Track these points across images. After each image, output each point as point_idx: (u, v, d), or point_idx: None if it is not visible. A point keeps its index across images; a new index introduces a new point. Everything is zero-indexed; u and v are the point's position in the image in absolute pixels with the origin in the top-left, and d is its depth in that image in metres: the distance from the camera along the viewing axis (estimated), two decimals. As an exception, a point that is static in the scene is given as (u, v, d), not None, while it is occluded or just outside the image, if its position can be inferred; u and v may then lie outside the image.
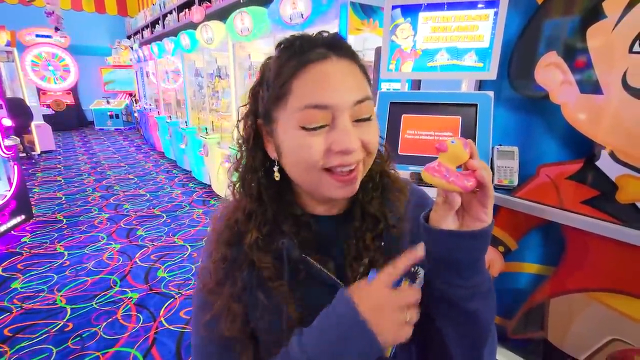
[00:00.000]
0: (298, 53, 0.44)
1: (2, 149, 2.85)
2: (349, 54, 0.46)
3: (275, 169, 0.50)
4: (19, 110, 4.75)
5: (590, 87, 1.22)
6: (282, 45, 0.47)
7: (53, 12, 7.01)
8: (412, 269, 0.49)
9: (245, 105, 0.52)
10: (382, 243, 0.51)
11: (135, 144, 7.53)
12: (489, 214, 0.40)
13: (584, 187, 1.27)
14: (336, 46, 0.45)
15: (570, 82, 1.26)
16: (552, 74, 1.31)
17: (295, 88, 0.43)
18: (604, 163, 1.21)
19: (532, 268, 1.50)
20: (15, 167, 3.00)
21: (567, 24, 1.27)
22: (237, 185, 0.53)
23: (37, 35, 8.26)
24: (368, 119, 0.46)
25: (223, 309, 0.50)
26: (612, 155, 1.20)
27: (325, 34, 0.47)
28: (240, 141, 0.52)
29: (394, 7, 1.40)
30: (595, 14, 1.19)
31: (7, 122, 2.88)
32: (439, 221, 0.42)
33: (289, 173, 0.49)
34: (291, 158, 0.46)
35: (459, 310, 0.43)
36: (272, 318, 0.50)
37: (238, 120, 0.53)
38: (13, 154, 2.97)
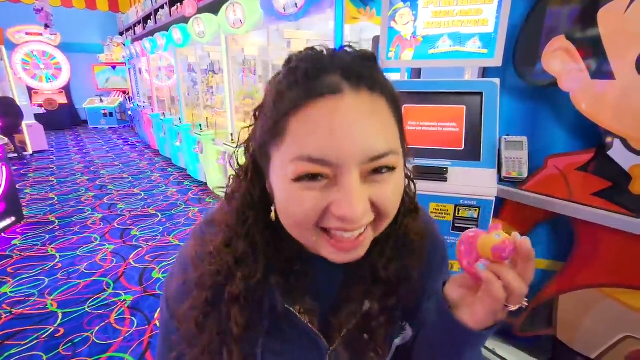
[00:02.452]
0: (303, 81, 0.34)
1: (-12, 149, 2.76)
2: (373, 83, 0.35)
3: (273, 208, 0.42)
4: (8, 110, 4.64)
5: (602, 72, 1.15)
6: (289, 65, 0.37)
7: (42, 9, 6.86)
8: (401, 323, 0.50)
9: (248, 127, 0.43)
10: (385, 318, 0.46)
11: (129, 143, 7.42)
12: (499, 314, 0.38)
13: (595, 178, 1.21)
14: (355, 73, 0.34)
15: (579, 67, 1.20)
16: (560, 59, 1.24)
17: (292, 128, 0.34)
18: (617, 152, 1.15)
19: (540, 263, 1.44)
20: (4, 168, 2.91)
21: (576, 6, 1.20)
22: (229, 225, 0.44)
23: (27, 33, 8.10)
24: (390, 170, 0.36)
25: (199, 350, 0.44)
26: (626, 144, 1.13)
27: (345, 54, 0.36)
28: (238, 171, 0.44)
29: (392, -9, 1.32)
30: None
31: (-6, 121, 2.79)
32: (449, 290, 0.41)
33: (283, 224, 0.40)
34: (281, 209, 0.38)
35: None
36: None
37: (237, 146, 0.44)
38: (1, 155, 2.88)
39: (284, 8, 2.20)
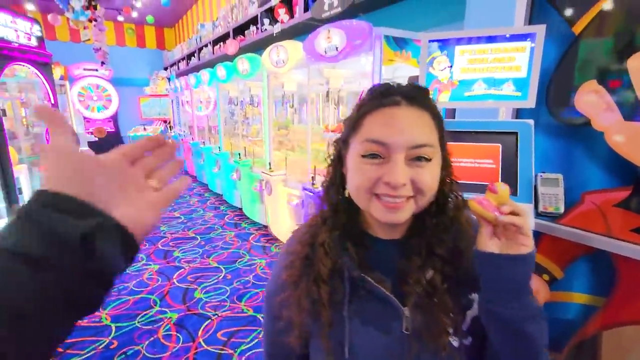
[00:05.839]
0: (377, 97, 0.53)
1: (57, 174, 3.09)
2: (422, 104, 0.52)
3: (347, 187, 0.58)
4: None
5: (635, 113, 1.22)
6: (371, 89, 0.56)
7: (100, 48, 7.64)
8: (469, 296, 0.56)
9: (340, 133, 0.61)
10: (446, 285, 0.54)
11: (168, 168, 7.88)
12: (528, 241, 0.47)
13: (634, 215, 1.24)
14: (410, 96, 0.52)
15: (612, 109, 1.27)
16: (593, 101, 1.32)
17: (366, 123, 0.52)
18: (655, 190, 1.19)
19: (581, 298, 1.45)
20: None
21: (606, 53, 1.29)
22: (322, 196, 0.62)
23: (85, 69, 9.02)
24: (427, 160, 0.51)
25: (296, 298, 0.57)
26: (663, 182, 1.18)
27: (407, 85, 0.54)
28: (329, 160, 0.62)
29: (430, 41, 1.47)
30: (634, 43, 1.21)
31: (63, 149, 3.14)
32: (483, 245, 0.49)
33: (349, 192, 0.57)
34: (349, 179, 0.55)
35: (514, 331, 0.48)
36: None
37: (329, 144, 0.62)
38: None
39: (325, 51, 2.41)
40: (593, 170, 1.34)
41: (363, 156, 0.51)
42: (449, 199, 0.57)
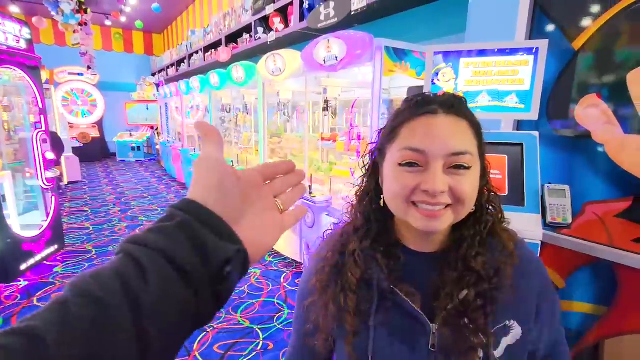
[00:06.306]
0: (414, 106, 0.52)
1: (43, 181, 2.98)
2: (460, 112, 0.51)
3: (382, 196, 0.57)
4: (55, 144, 4.97)
5: (634, 127, 1.26)
6: (407, 99, 0.56)
7: (87, 53, 7.49)
8: (507, 322, 0.53)
9: (374, 142, 0.61)
10: (481, 302, 0.51)
11: (156, 175, 7.73)
12: None
13: (635, 225, 1.27)
14: (448, 105, 0.51)
15: (612, 122, 1.31)
16: (592, 115, 1.36)
17: (402, 132, 0.52)
18: (655, 201, 1.23)
19: (582, 307, 1.47)
20: (53, 198, 3.12)
21: (606, 69, 1.33)
22: (354, 204, 0.62)
23: (69, 73, 8.83)
24: (466, 169, 0.49)
25: (323, 303, 0.58)
26: (663, 193, 1.21)
27: (444, 94, 0.54)
28: (362, 170, 0.62)
29: (435, 53, 1.49)
30: (634, 59, 1.26)
31: (50, 155, 3.04)
32: None
33: (385, 201, 0.55)
34: (386, 188, 0.54)
35: None
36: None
37: (364, 154, 0.62)
38: (52, 186, 3.09)
39: (324, 60, 2.42)
40: (593, 181, 1.37)
41: (400, 164, 0.50)
42: (487, 211, 0.56)
